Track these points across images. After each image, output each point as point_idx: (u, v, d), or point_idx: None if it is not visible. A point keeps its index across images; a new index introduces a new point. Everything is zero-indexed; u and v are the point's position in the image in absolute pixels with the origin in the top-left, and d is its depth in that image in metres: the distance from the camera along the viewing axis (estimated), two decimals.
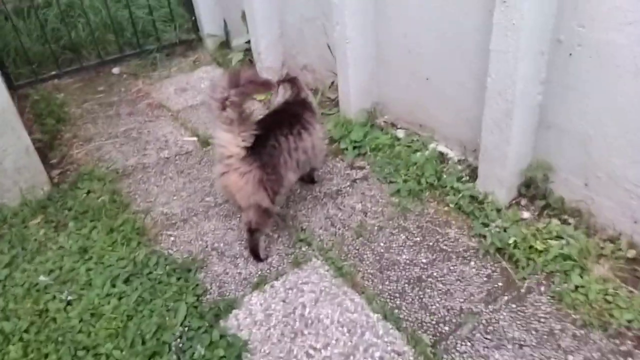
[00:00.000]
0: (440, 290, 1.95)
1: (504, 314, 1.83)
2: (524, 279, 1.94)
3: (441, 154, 2.62)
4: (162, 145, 3.13)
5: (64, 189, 2.71)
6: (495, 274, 1.99)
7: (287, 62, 3.63)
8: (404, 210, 2.36)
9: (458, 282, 1.98)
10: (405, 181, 2.49)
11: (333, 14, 2.70)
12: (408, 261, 2.10)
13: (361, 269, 2.09)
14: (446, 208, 2.34)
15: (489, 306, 1.86)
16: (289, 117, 2.23)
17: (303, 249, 2.23)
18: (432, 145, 2.66)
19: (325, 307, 1.93)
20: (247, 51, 3.83)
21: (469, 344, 1.74)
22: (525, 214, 2.19)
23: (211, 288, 2.08)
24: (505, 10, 1.87)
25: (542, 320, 1.79)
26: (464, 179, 2.42)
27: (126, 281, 2.10)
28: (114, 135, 3.29)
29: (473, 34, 2.20)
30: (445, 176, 2.45)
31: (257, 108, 3.18)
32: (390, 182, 2.53)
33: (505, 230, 2.09)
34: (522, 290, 1.90)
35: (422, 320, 1.84)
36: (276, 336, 1.84)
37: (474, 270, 2.02)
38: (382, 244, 2.20)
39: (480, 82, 2.17)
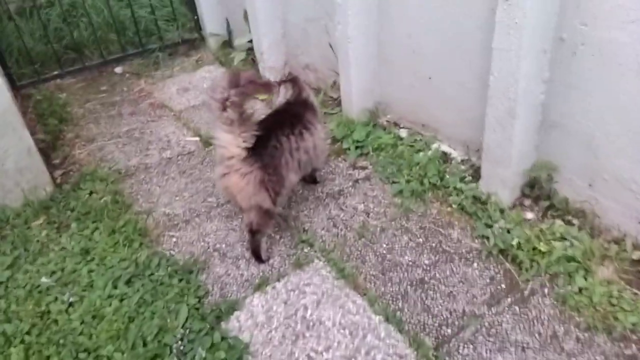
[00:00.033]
0: (442, 292, 1.94)
1: (507, 316, 1.81)
2: (528, 280, 1.92)
3: (444, 153, 2.60)
4: (164, 146, 3.13)
5: (67, 190, 2.71)
6: (498, 275, 1.98)
7: (289, 61, 3.62)
8: (407, 211, 2.35)
9: (461, 284, 1.96)
10: (407, 181, 2.48)
11: (336, 13, 2.69)
12: (410, 263, 2.09)
13: (363, 271, 2.08)
14: (449, 209, 2.32)
15: (492, 308, 1.85)
16: (291, 117, 2.22)
17: (305, 250, 2.22)
18: (435, 145, 2.64)
19: (327, 309, 1.92)
20: (250, 51, 3.81)
21: (471, 346, 1.73)
22: (529, 215, 2.17)
23: (213, 289, 2.07)
24: (508, 9, 1.85)
25: (546, 323, 1.77)
26: (467, 179, 2.40)
27: (128, 283, 2.10)
28: (116, 135, 3.29)
29: (475, 33, 2.18)
30: (448, 176, 2.43)
31: (259, 108, 3.17)
32: (393, 182, 2.52)
33: (508, 232, 2.07)
34: (526, 293, 1.88)
35: (425, 323, 1.83)
36: (277, 338, 1.83)
37: (476, 272, 2.00)
38: (384, 245, 2.19)
39: (482, 81, 2.15)
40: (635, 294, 1.79)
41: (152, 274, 2.13)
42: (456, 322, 1.82)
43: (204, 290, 2.06)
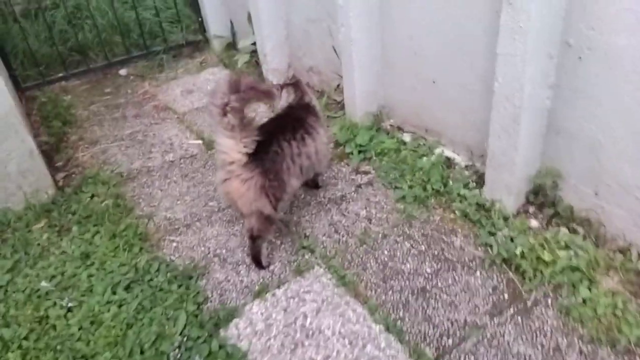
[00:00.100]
0: (444, 301, 1.91)
1: (509, 327, 1.78)
2: (531, 290, 1.89)
3: (448, 159, 2.57)
4: (167, 149, 3.12)
5: (68, 193, 2.70)
6: (501, 285, 1.95)
7: (293, 64, 3.60)
8: (409, 217, 2.32)
9: (463, 293, 1.93)
10: (410, 187, 2.45)
11: (338, 15, 2.67)
12: (412, 271, 2.06)
13: (364, 278, 2.05)
14: (452, 215, 2.29)
15: (494, 319, 1.82)
16: (292, 122, 2.20)
17: (306, 256, 2.19)
18: (438, 150, 2.61)
19: (327, 317, 1.90)
20: (254, 53, 3.80)
21: (472, 358, 1.70)
22: (533, 223, 2.14)
23: (212, 296, 2.06)
24: (512, 12, 1.81)
25: (549, 334, 1.74)
26: (470, 185, 2.37)
27: (127, 288, 2.09)
28: (119, 138, 3.28)
29: (480, 37, 2.15)
30: (451, 182, 2.40)
31: (263, 111, 3.15)
32: (396, 187, 2.49)
33: (512, 240, 2.04)
34: (529, 303, 1.85)
35: (425, 333, 1.80)
36: (276, 347, 1.81)
37: (479, 281, 1.97)
38: (386, 252, 2.16)
39: (487, 85, 2.12)
40: None
41: (151, 279, 2.12)
42: (457, 333, 1.79)
43: (203, 296, 2.05)
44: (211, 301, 2.03)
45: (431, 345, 1.76)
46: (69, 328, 1.94)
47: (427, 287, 1.98)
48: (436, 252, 2.13)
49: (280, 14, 3.38)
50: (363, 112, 2.90)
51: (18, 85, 3.74)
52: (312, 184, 2.57)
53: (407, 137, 2.80)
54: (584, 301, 1.79)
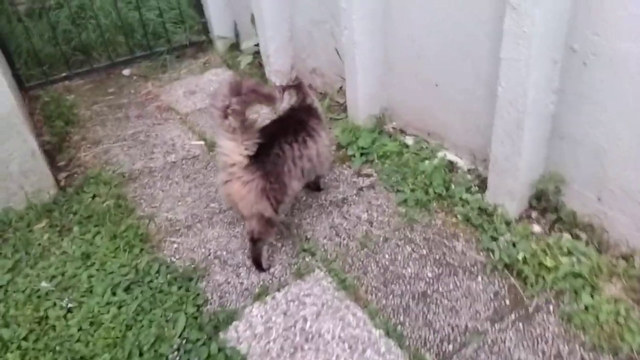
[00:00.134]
0: (445, 306, 1.90)
1: (511, 333, 1.77)
2: (533, 296, 1.87)
3: (450, 162, 2.56)
4: (169, 149, 3.11)
5: (70, 193, 2.70)
6: (502, 290, 1.93)
7: (296, 65, 3.59)
8: (411, 221, 2.31)
9: (464, 298, 1.92)
10: (412, 190, 2.44)
11: (341, 18, 2.66)
12: (413, 275, 2.05)
13: (365, 282, 2.04)
14: (454, 220, 2.28)
15: (495, 325, 1.81)
16: (294, 124, 2.19)
17: (306, 259, 2.19)
18: (441, 154, 2.60)
19: (327, 321, 1.89)
20: (257, 54, 3.79)
21: None
22: (536, 228, 2.12)
23: (212, 298, 2.05)
24: (516, 17, 1.80)
25: (550, 341, 1.72)
26: (473, 189, 2.36)
27: (127, 289, 2.08)
28: (122, 138, 3.28)
29: (483, 40, 2.14)
30: (454, 186, 2.39)
31: (265, 112, 3.14)
32: (398, 191, 2.48)
33: (514, 245, 2.02)
34: (530, 309, 1.84)
35: (426, 338, 1.79)
36: (275, 350, 1.80)
37: (480, 286, 1.96)
38: (387, 256, 2.15)
39: (491, 89, 2.11)
40: None
41: (151, 280, 2.11)
42: (458, 338, 1.78)
43: (203, 298, 2.04)
44: (211, 303, 2.02)
45: (431, 350, 1.75)
46: (68, 329, 1.94)
47: (428, 291, 1.97)
48: (437, 257, 2.12)
49: (283, 15, 3.38)
50: (365, 114, 2.89)
51: (21, 84, 3.75)
52: (314, 187, 2.56)
53: (409, 140, 2.79)
54: (586, 308, 1.78)
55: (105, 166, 2.98)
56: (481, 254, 2.09)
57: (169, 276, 2.13)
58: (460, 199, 2.32)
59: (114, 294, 2.06)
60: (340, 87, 3.19)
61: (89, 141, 3.27)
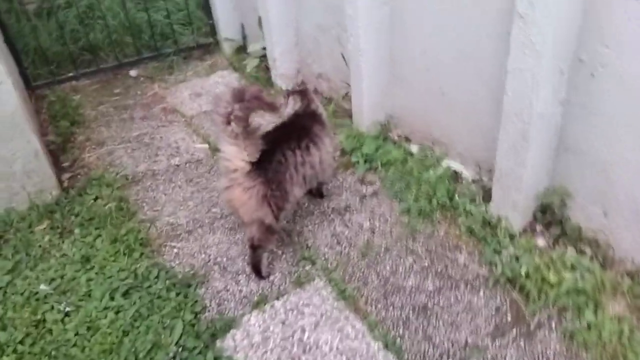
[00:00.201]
0: (445, 320, 1.87)
1: (511, 350, 1.74)
2: (535, 313, 1.84)
3: (455, 172, 2.53)
4: (173, 152, 3.10)
5: (72, 195, 2.70)
6: (504, 306, 1.90)
7: (302, 69, 3.58)
8: (413, 231, 2.28)
9: (465, 313, 1.89)
10: (416, 200, 2.41)
11: (347, 25, 2.64)
12: (414, 287, 2.02)
13: (365, 293, 2.02)
14: (457, 231, 2.25)
15: (496, 341, 1.78)
16: (298, 131, 2.18)
17: (307, 267, 2.17)
18: (445, 163, 2.57)
19: (325, 332, 1.87)
20: (263, 57, 3.78)
21: None
22: (540, 241, 2.09)
23: (210, 305, 2.04)
24: (524, 27, 1.77)
25: (551, 359, 1.69)
26: (477, 200, 2.33)
27: (125, 294, 2.07)
28: (126, 140, 3.27)
29: (490, 50, 2.11)
30: (457, 197, 2.36)
31: (270, 118, 3.13)
32: (401, 199, 2.45)
33: (517, 259, 1.99)
34: (532, 326, 1.81)
35: (425, 353, 1.77)
36: None
37: (482, 300, 1.93)
38: (388, 267, 2.13)
39: (497, 99, 2.08)
40: None
41: (150, 286, 2.10)
42: (458, 354, 1.75)
43: (201, 305, 2.02)
44: (209, 311, 2.01)
45: None
46: (65, 333, 1.93)
47: (429, 304, 1.94)
48: (439, 269, 2.09)
49: (290, 19, 3.37)
50: (370, 121, 2.86)
51: (28, 83, 3.75)
52: (317, 193, 2.54)
53: (414, 148, 2.76)
54: (589, 326, 1.74)
55: (109, 168, 2.97)
56: (484, 267, 2.06)
57: (167, 282, 2.12)
58: (464, 209, 2.29)
59: (112, 298, 2.05)
60: (346, 93, 3.16)
61: (94, 142, 3.27)
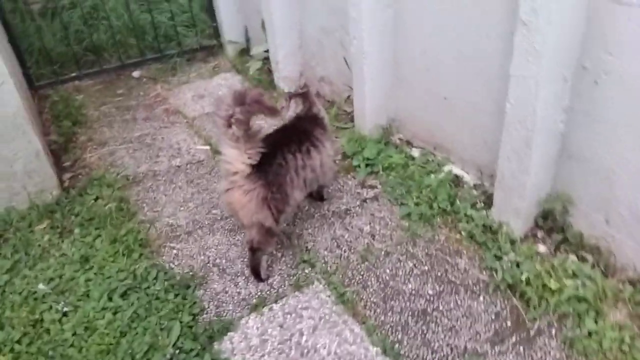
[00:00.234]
0: (445, 326, 1.86)
1: (511, 357, 1.72)
2: (535, 319, 1.83)
3: (456, 177, 2.52)
4: (174, 153, 3.10)
5: (73, 194, 2.70)
6: (504, 312, 1.88)
7: (305, 72, 3.57)
8: (414, 235, 2.27)
9: (464, 318, 1.88)
10: (417, 204, 2.40)
11: (350, 28, 2.63)
12: (414, 291, 2.01)
13: (364, 297, 2.01)
14: (458, 236, 2.23)
15: (495, 347, 1.76)
16: (299, 134, 2.17)
17: (306, 270, 2.16)
18: (447, 167, 2.56)
19: (324, 336, 1.85)
20: (266, 60, 3.78)
21: None
22: (541, 248, 2.07)
23: (208, 307, 2.03)
24: (527, 33, 1.76)
25: None
26: (478, 205, 2.32)
27: (123, 295, 2.07)
28: (128, 140, 3.28)
29: (493, 55, 2.10)
30: (459, 202, 2.35)
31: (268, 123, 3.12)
32: (402, 204, 2.44)
33: (518, 265, 1.98)
34: (532, 332, 1.79)
35: (424, 358, 1.75)
36: None
37: (482, 306, 1.91)
38: (387, 271, 2.11)
39: (500, 105, 2.07)
40: None
41: (148, 287, 2.10)
42: None
43: (200, 307, 2.02)
44: (207, 312, 2.00)
45: None
46: (62, 333, 1.92)
47: (428, 309, 1.93)
48: (439, 274, 2.08)
49: (293, 22, 3.37)
50: (372, 124, 2.86)
51: (31, 83, 3.76)
52: (317, 196, 2.53)
53: (415, 153, 2.75)
54: (590, 334, 1.72)
55: (110, 168, 2.97)
56: (484, 272, 2.04)
57: (166, 283, 2.11)
58: (465, 215, 2.27)
59: (110, 299, 2.04)
60: (348, 96, 3.16)
61: (95, 142, 3.27)
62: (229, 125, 1.84)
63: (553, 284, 1.86)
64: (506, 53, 1.93)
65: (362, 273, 2.12)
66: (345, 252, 2.23)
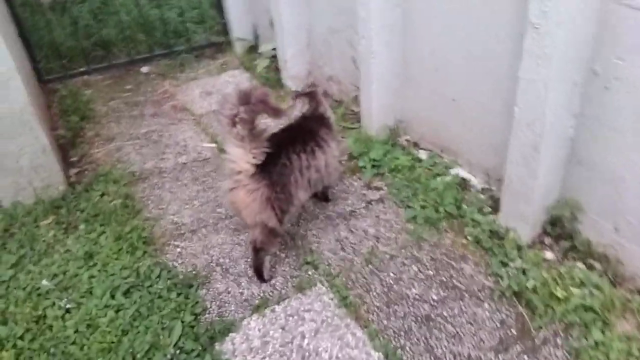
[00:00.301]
0: (448, 332, 1.83)
1: None
2: (540, 328, 1.80)
3: (463, 180, 2.49)
4: (180, 150, 3.10)
5: (79, 190, 2.70)
6: (509, 319, 1.86)
7: (313, 71, 3.55)
8: (419, 239, 2.25)
9: (469, 325, 1.85)
10: (422, 207, 2.37)
11: (359, 27, 2.61)
12: (417, 296, 1.99)
13: (367, 301, 1.99)
14: (464, 241, 2.21)
15: (499, 355, 1.74)
16: (304, 134, 2.16)
17: (309, 272, 2.14)
18: (454, 170, 2.53)
19: (325, 339, 1.84)
20: (274, 58, 3.76)
21: None
22: (548, 255, 2.04)
23: (211, 307, 2.02)
24: (537, 37, 1.73)
25: None
26: (485, 210, 2.29)
27: (126, 293, 2.06)
28: (135, 137, 3.28)
29: (503, 58, 2.07)
30: (465, 206, 2.32)
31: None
32: (407, 207, 2.42)
33: (524, 273, 1.95)
34: (537, 341, 1.76)
35: None
36: None
37: (487, 313, 1.89)
38: (391, 275, 2.09)
39: (508, 108, 2.03)
40: None
41: (151, 285, 2.09)
42: None
43: (202, 307, 2.01)
44: (209, 312, 1.99)
45: None
46: (64, 330, 1.92)
47: (432, 315, 1.91)
48: (444, 279, 2.05)
49: (302, 21, 3.34)
50: (379, 125, 2.83)
51: (41, 77, 3.78)
52: (322, 197, 2.51)
53: (422, 155, 2.72)
54: (596, 344, 1.69)
55: (117, 164, 2.97)
56: (490, 279, 2.02)
57: (169, 282, 2.11)
58: (472, 219, 2.24)
59: (112, 296, 2.04)
60: (356, 96, 3.13)
61: (103, 138, 3.28)
62: (234, 125, 1.83)
63: (560, 292, 1.83)
64: (516, 53, 1.90)
65: (365, 276, 2.10)
66: (349, 254, 2.21)
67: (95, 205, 2.59)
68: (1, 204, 2.58)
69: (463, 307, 1.92)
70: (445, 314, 1.91)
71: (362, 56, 2.71)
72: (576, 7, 1.65)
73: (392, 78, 2.72)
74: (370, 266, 2.14)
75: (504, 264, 2.02)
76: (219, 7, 4.15)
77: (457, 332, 1.83)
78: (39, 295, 2.09)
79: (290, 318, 1.93)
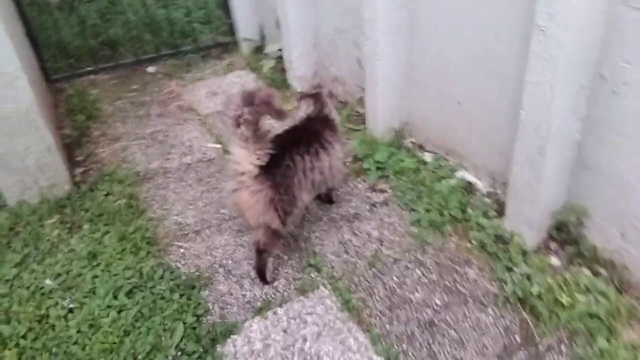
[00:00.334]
0: (452, 338, 1.82)
1: None
2: (544, 334, 1.78)
3: (468, 183, 2.47)
4: (185, 151, 3.10)
5: (84, 190, 2.71)
6: (513, 325, 1.84)
7: (319, 72, 3.54)
8: (423, 242, 2.23)
9: (472, 331, 1.83)
10: (427, 210, 2.36)
11: (365, 28, 2.59)
12: (421, 301, 1.97)
13: (370, 304, 1.97)
14: (468, 245, 2.19)
15: None
16: (308, 135, 2.15)
17: (312, 275, 2.13)
18: (459, 173, 2.51)
19: (327, 343, 1.83)
20: (280, 58, 3.76)
21: None
22: (554, 260, 2.02)
23: (213, 308, 2.02)
24: (543, 40, 1.71)
25: None
26: (490, 214, 2.27)
27: (129, 293, 2.07)
28: (140, 137, 3.28)
29: (509, 60, 2.05)
30: (470, 209, 2.30)
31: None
32: (412, 210, 2.40)
33: (529, 278, 1.93)
34: (541, 348, 1.74)
35: None
36: None
37: (491, 319, 1.87)
38: (395, 279, 2.08)
39: (514, 111, 2.01)
40: None
41: (154, 286, 2.09)
42: None
43: (204, 308, 2.01)
44: (211, 314, 1.99)
45: None
46: (67, 330, 1.93)
47: (435, 320, 1.89)
48: (448, 283, 2.03)
49: (308, 22, 3.33)
50: (384, 127, 2.82)
51: (48, 76, 3.79)
52: (326, 199, 2.50)
53: (427, 157, 2.70)
54: (601, 352, 1.67)
55: (122, 164, 2.98)
56: (494, 284, 2.00)
57: (172, 282, 2.11)
58: (477, 223, 2.22)
59: (115, 297, 2.04)
60: (361, 98, 3.12)
61: (109, 137, 3.29)
62: (238, 125, 1.82)
63: (565, 299, 1.81)
64: (522, 55, 1.88)
65: (368, 280, 2.09)
66: (352, 257, 2.20)
67: (99, 205, 2.59)
68: (7, 203, 2.59)
69: (467, 313, 1.91)
70: (448, 319, 1.89)
71: (368, 57, 2.69)
72: (583, 10, 1.63)
73: (397, 79, 2.71)
74: (373, 269, 2.13)
75: (509, 269, 2.00)
76: (225, 8, 4.15)
77: (461, 338, 1.81)
78: (42, 294, 2.09)
79: (293, 321, 1.93)
